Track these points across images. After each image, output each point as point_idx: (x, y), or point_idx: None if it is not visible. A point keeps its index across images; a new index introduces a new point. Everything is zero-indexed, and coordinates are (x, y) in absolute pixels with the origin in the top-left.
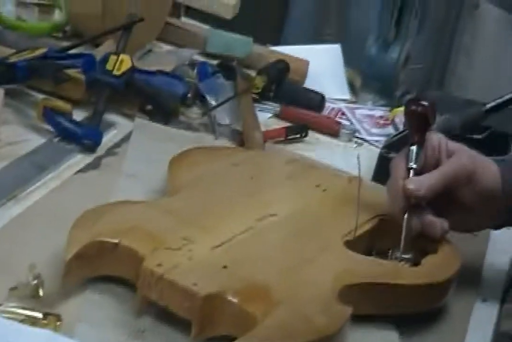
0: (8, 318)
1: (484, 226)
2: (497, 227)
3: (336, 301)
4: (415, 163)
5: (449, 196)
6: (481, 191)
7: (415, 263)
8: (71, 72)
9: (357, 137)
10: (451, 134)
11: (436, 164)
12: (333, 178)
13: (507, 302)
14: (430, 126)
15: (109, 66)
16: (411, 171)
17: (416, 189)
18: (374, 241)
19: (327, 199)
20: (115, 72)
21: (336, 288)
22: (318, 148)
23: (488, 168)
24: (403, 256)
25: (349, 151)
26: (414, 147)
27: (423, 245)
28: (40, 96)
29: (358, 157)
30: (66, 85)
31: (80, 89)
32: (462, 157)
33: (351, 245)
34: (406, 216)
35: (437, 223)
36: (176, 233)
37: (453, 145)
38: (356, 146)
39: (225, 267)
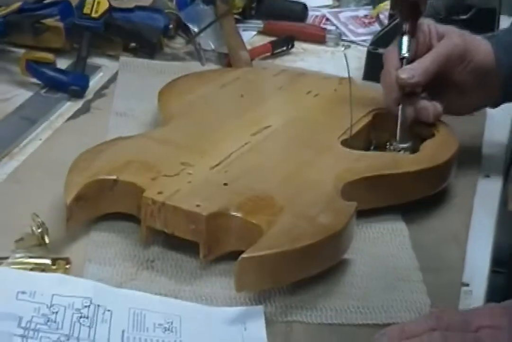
0: (18, 268)
1: (479, 106)
2: (493, 106)
3: (340, 199)
4: (407, 52)
5: (443, 78)
6: (475, 68)
7: (414, 150)
8: (49, 21)
9: (344, 40)
10: (437, 18)
11: (428, 50)
12: (323, 82)
13: (510, 179)
14: (421, 14)
15: (86, 10)
16: (404, 60)
17: (409, 77)
18: (371, 136)
19: (320, 103)
20: (93, 15)
21: (339, 187)
22: (306, 57)
23: (480, 45)
24: (401, 145)
25: (338, 56)
26: (405, 37)
27: (419, 131)
28: (21, 51)
29: (345, 56)
30: (46, 35)
31: (60, 37)
32: (453, 37)
33: (349, 143)
34: (400, 105)
35: (429, 106)
36: (173, 160)
37: (443, 28)
38: (344, 50)
39: (225, 184)
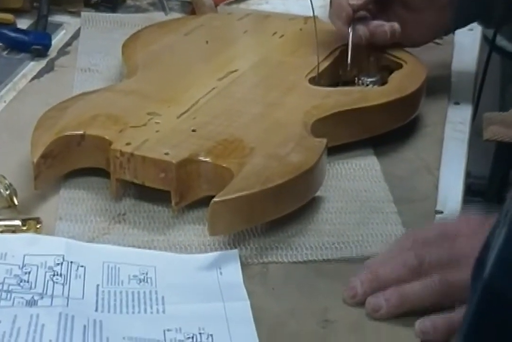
0: None
1: (433, 34)
2: (445, 33)
3: (310, 136)
4: None
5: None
6: None
7: (383, 83)
8: None
9: None
10: None
11: None
12: (288, 23)
13: (480, 108)
14: None
15: None
16: None
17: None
18: (339, 72)
19: (286, 43)
20: None
21: (308, 124)
22: (271, 0)
23: None
24: (369, 79)
25: None
26: None
27: (387, 63)
28: None
29: None
30: None
31: None
32: None
33: (317, 81)
34: (351, 28)
35: (384, 24)
36: (140, 111)
37: None
38: None
39: (193, 130)
